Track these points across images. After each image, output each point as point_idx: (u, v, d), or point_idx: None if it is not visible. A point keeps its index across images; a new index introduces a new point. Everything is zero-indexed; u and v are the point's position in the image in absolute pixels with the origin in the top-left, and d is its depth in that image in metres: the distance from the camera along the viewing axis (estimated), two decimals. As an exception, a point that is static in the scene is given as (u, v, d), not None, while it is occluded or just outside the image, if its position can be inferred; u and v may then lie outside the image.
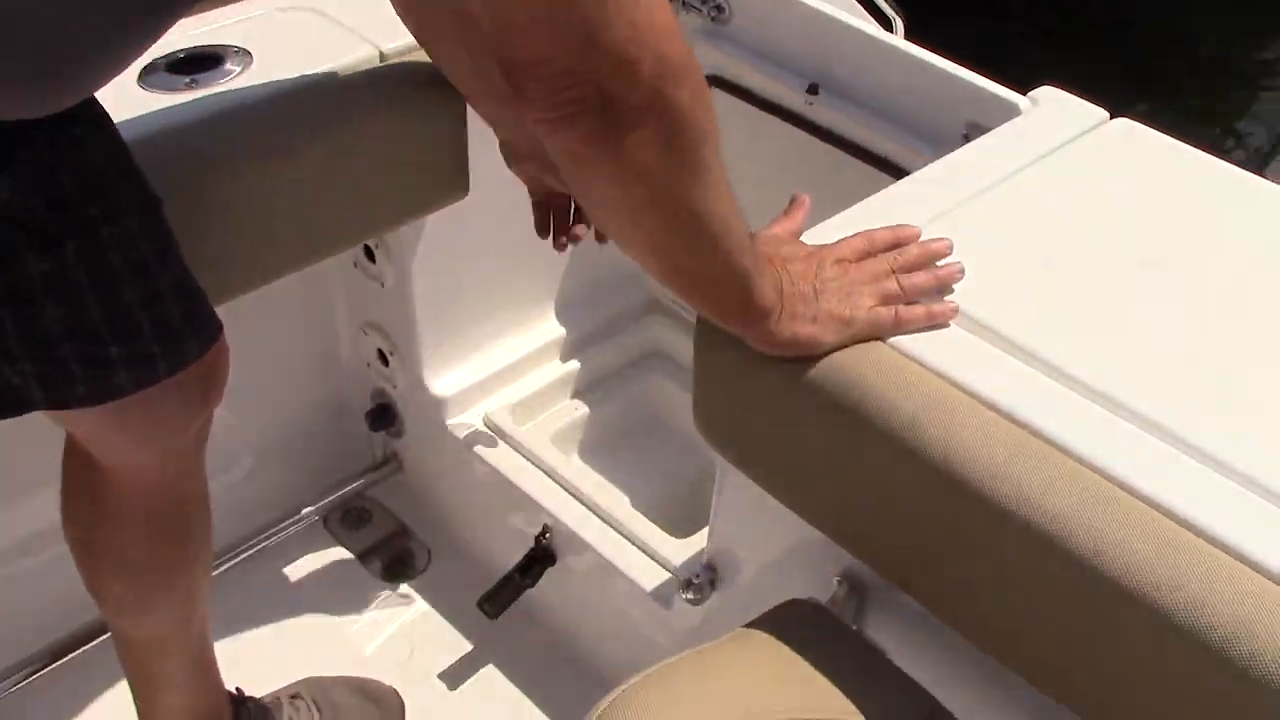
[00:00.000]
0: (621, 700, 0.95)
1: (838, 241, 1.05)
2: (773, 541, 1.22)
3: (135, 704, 1.30)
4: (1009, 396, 0.95)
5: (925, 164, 1.33)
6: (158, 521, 1.16)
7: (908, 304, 1.01)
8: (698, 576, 1.32)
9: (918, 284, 1.02)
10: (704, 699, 0.96)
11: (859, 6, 1.66)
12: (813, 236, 1.10)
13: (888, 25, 1.70)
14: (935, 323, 1.01)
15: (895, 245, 1.05)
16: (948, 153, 1.28)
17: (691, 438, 1.78)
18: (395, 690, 1.57)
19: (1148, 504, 0.87)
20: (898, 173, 1.43)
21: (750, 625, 1.06)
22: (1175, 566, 0.84)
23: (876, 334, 1.00)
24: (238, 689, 1.42)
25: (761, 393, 1.05)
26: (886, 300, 1.00)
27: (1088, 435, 0.92)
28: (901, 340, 1.00)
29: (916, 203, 1.15)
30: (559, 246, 1.36)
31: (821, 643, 1.05)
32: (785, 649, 1.02)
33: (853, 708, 0.99)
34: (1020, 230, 1.12)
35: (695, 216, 0.88)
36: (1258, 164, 2.23)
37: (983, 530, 0.93)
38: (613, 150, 0.80)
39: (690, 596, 1.32)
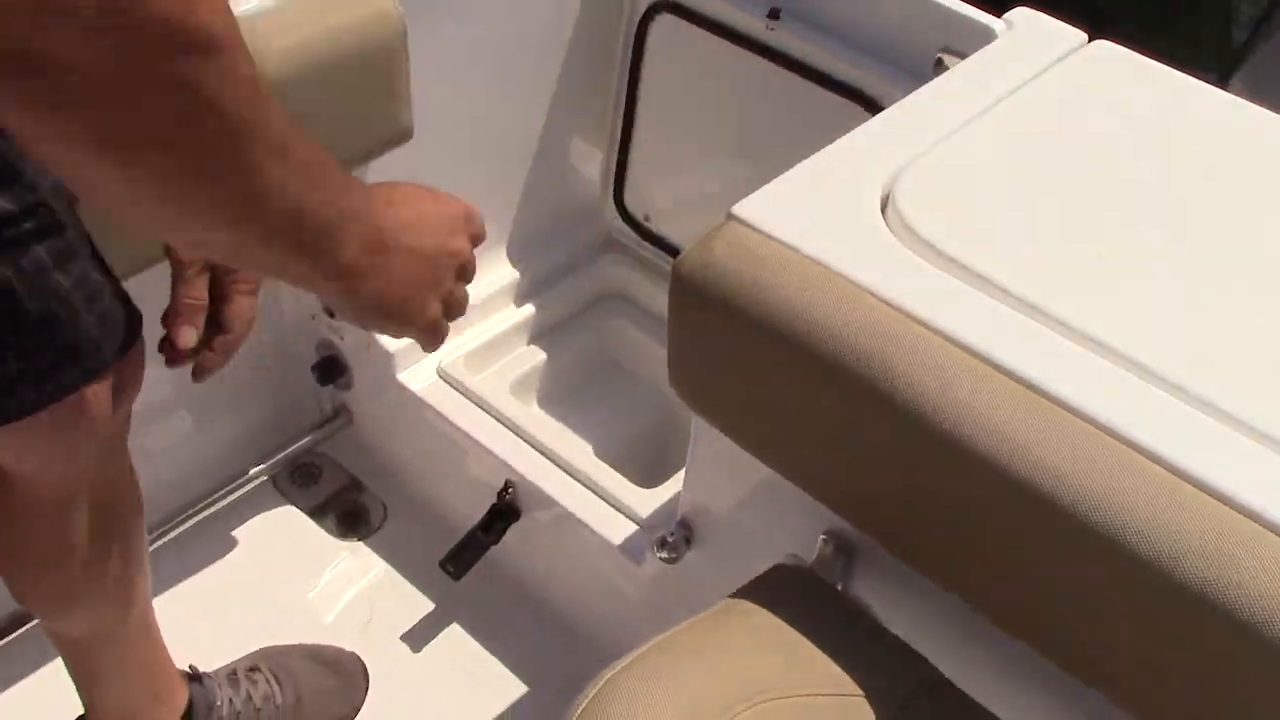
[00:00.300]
0: (610, 687, 0.89)
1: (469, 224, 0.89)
2: (752, 500, 1.17)
3: (80, 698, 1.24)
4: (1001, 347, 0.90)
5: (896, 93, 1.27)
6: (75, 517, 1.06)
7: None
8: (672, 534, 1.27)
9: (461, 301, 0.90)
10: (697, 680, 0.91)
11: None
12: (787, 180, 1.04)
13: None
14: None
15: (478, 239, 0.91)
16: (919, 81, 1.22)
17: (653, 380, 1.74)
18: (356, 655, 1.52)
19: (1137, 450, 0.84)
20: (868, 103, 1.36)
21: (736, 595, 1.01)
22: (1165, 514, 0.80)
23: (424, 341, 0.90)
24: (191, 667, 1.35)
25: (737, 351, 0.99)
26: (448, 311, 0.89)
27: (1080, 384, 0.88)
28: (889, 292, 0.94)
29: (894, 141, 1.09)
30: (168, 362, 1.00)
31: (813, 611, 1.00)
32: (776, 620, 0.98)
33: (850, 681, 0.95)
34: (1006, 168, 1.06)
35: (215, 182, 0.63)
36: (1222, 74, 2.19)
37: (968, 484, 0.88)
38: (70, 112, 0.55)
39: (665, 555, 1.27)
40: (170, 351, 0.98)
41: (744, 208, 1.01)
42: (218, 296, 0.99)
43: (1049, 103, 1.15)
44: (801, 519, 1.11)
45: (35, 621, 1.47)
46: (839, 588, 1.11)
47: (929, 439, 0.89)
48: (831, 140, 1.13)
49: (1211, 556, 0.79)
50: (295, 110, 1.20)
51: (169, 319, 0.97)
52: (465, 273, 0.88)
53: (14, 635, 1.47)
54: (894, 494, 0.96)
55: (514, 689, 1.53)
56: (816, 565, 1.11)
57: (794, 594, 1.02)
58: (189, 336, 0.97)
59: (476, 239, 0.89)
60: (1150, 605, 0.83)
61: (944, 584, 0.98)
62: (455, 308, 0.89)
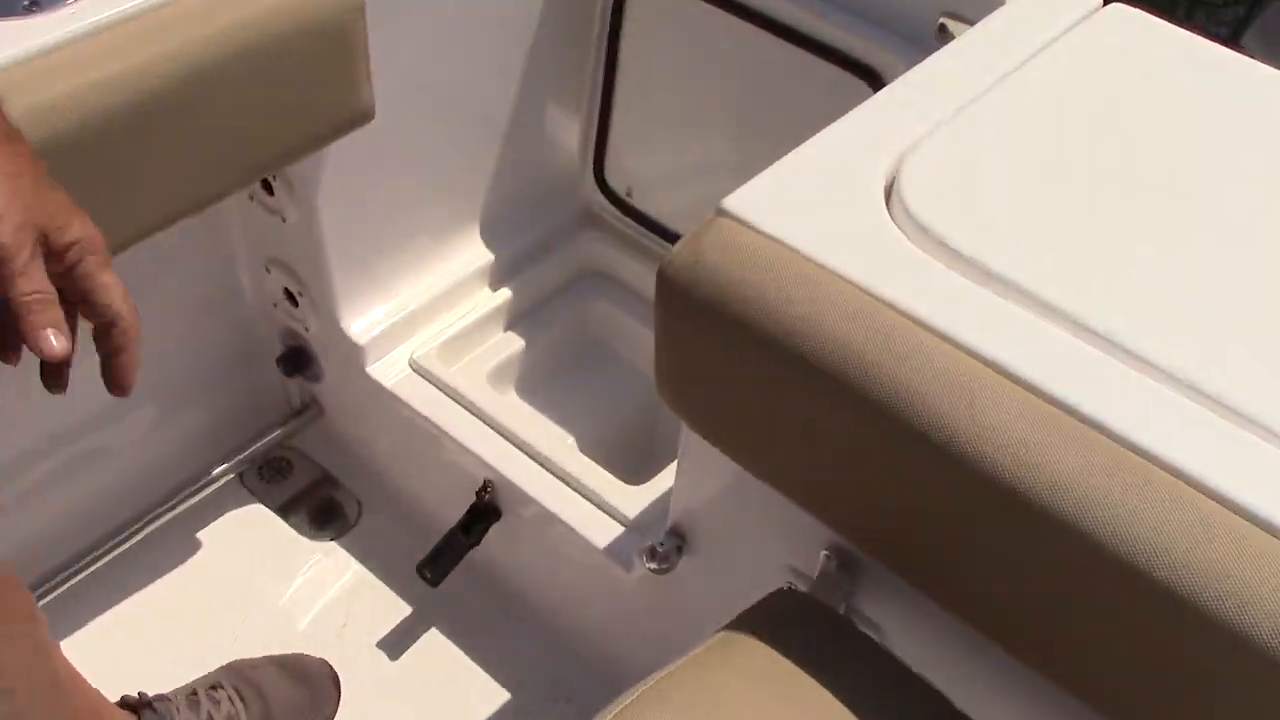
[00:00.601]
0: None
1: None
2: (748, 511, 1.09)
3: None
4: (1020, 357, 0.81)
5: (894, 61, 1.17)
6: None
7: None
8: (662, 544, 1.19)
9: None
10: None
11: None
12: (782, 168, 0.94)
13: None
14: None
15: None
16: (919, 48, 1.12)
17: (637, 363, 1.65)
18: (327, 664, 1.44)
19: (1184, 479, 0.75)
20: (868, 75, 1.27)
21: (734, 626, 0.93)
22: (1198, 540, 0.72)
23: None
24: (140, 693, 1.27)
25: (729, 360, 0.91)
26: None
27: (1118, 403, 0.79)
28: (897, 297, 0.85)
29: (895, 121, 0.99)
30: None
31: (818, 644, 0.92)
32: (778, 656, 0.90)
33: (864, 724, 0.87)
34: (1023, 147, 0.97)
35: None
36: (1232, 32, 2.09)
37: (987, 512, 0.80)
38: None
39: (655, 566, 1.19)
40: (49, 374, 0.76)
41: (734, 201, 0.92)
42: (69, 283, 0.75)
43: (1065, 72, 1.05)
44: (801, 533, 1.03)
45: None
46: (842, 609, 1.03)
47: (946, 463, 0.80)
48: (825, 110, 1.03)
49: (1264, 600, 0.71)
50: (244, 91, 1.12)
51: (7, 333, 0.73)
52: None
53: None
54: (904, 518, 0.88)
55: (496, 696, 1.46)
56: (819, 582, 1.03)
57: (797, 624, 0.94)
58: (58, 343, 0.72)
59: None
60: (1189, 646, 0.75)
61: (958, 613, 0.90)
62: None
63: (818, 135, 0.98)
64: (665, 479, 1.38)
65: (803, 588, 1.07)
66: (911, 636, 1.01)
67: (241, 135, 1.14)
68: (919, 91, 1.03)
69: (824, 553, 1.03)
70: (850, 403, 0.84)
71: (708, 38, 1.41)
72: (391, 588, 1.54)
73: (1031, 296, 0.85)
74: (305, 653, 1.44)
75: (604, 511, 1.35)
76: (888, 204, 0.93)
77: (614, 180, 1.61)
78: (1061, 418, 0.79)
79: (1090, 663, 0.83)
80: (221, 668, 1.37)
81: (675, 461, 1.38)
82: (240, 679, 1.35)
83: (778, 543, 1.08)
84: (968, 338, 0.82)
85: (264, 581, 1.53)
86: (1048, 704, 0.92)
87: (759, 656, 0.90)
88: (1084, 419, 0.79)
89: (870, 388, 0.82)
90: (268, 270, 1.48)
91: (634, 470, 1.59)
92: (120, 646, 1.46)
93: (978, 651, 0.92)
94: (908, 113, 1.00)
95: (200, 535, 1.57)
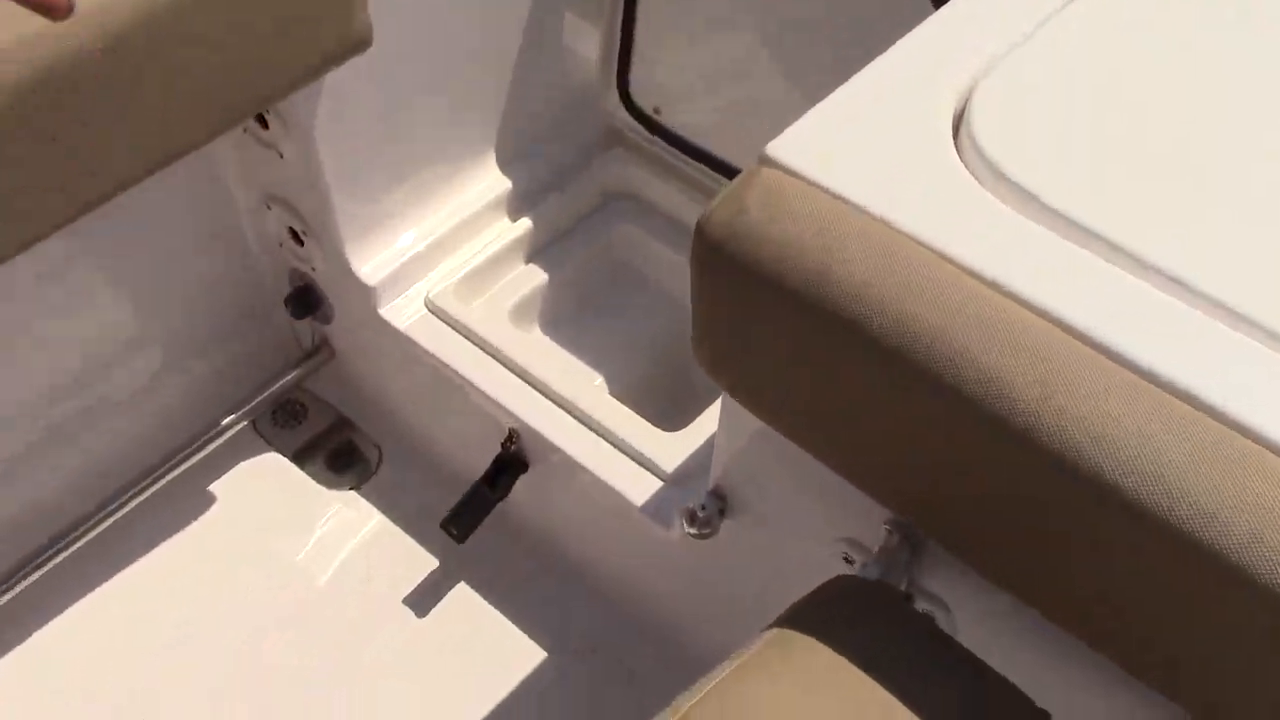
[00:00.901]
0: None
1: None
2: (797, 483, 0.99)
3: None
4: (1129, 336, 0.70)
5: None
6: None
7: None
8: (704, 508, 1.09)
9: None
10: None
11: None
12: (832, 105, 0.82)
13: None
14: None
15: None
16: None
17: (669, 291, 1.53)
18: None
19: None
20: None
21: (790, 619, 0.83)
22: None
23: None
24: None
25: (775, 327, 0.80)
26: None
27: (1237, 386, 0.68)
28: (970, 259, 0.74)
29: (968, 40, 0.86)
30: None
31: (887, 640, 0.82)
32: (842, 660, 0.80)
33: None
34: (1115, 70, 0.84)
35: None
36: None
37: (1068, 503, 0.70)
38: None
39: (695, 532, 1.10)
40: None
41: (780, 147, 0.80)
42: None
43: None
44: (857, 506, 0.93)
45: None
46: (904, 584, 0.94)
47: (1026, 451, 0.70)
48: (875, 11, 0.90)
49: None
50: (226, 20, 1.00)
51: None
52: None
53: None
54: (974, 506, 0.78)
55: (531, 652, 1.38)
56: (879, 557, 0.93)
57: (861, 616, 0.84)
58: None
59: None
60: None
61: (1035, 604, 0.81)
62: None
63: (872, 64, 0.85)
64: (706, 422, 1.28)
65: (859, 560, 0.98)
66: (982, 619, 0.92)
67: (227, 70, 1.03)
68: (987, 6, 0.90)
69: (885, 527, 0.93)
70: (911, 380, 0.73)
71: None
72: (416, 540, 1.45)
73: (1135, 258, 0.73)
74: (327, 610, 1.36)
75: (640, 464, 1.25)
76: (956, 143, 0.81)
77: (640, 97, 1.48)
78: (1170, 402, 0.68)
79: (1176, 654, 0.74)
80: None
81: (714, 406, 1.30)
82: None
83: (831, 513, 0.98)
84: (1059, 309, 0.71)
85: (282, 535, 1.45)
86: (1134, 700, 0.83)
87: (820, 657, 0.81)
88: (1195, 402, 0.68)
89: (936, 365, 0.71)
90: (268, 207, 1.37)
91: (671, 408, 1.49)
92: (135, 607, 1.39)
93: (1055, 642, 0.83)
94: (977, 31, 0.87)
95: (214, 488, 1.49)
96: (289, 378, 1.53)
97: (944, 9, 0.89)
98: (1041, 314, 0.71)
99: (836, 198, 0.77)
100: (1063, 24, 0.87)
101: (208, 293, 1.46)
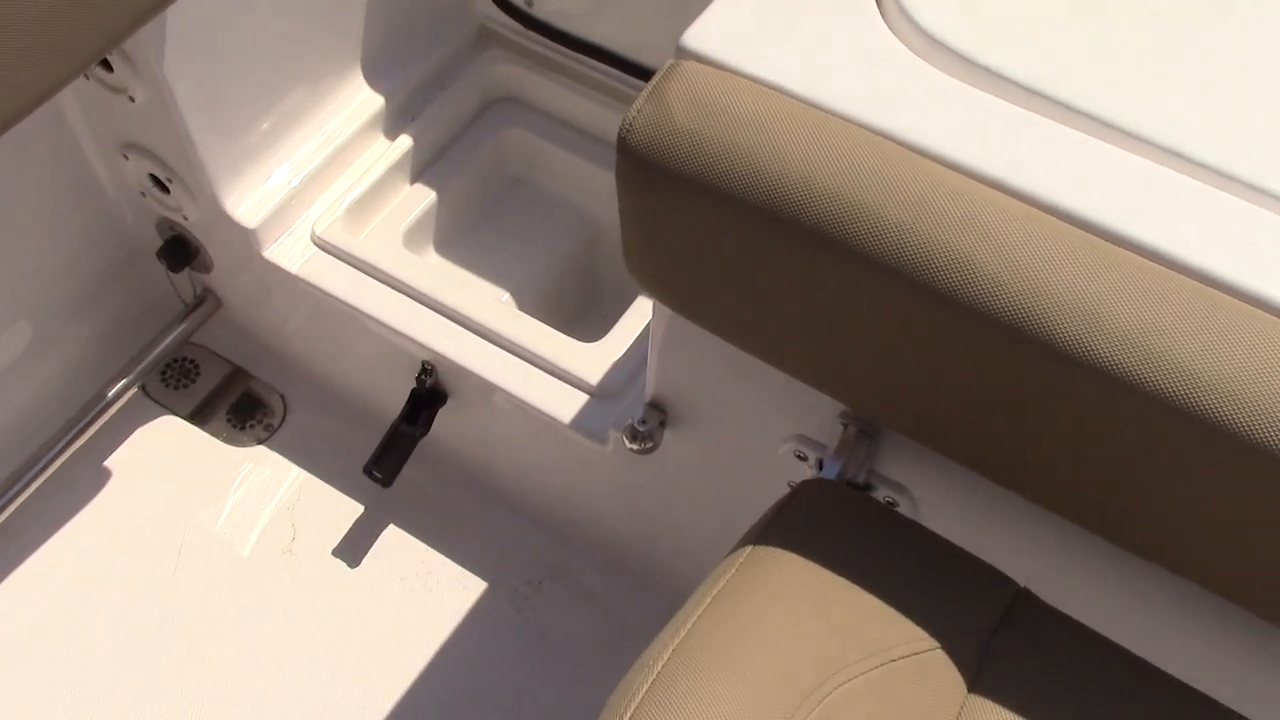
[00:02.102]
0: (657, 691, 0.69)
1: None
2: (742, 385, 0.94)
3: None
4: (1061, 185, 0.67)
5: None
6: None
7: None
8: (643, 423, 1.04)
9: None
10: (744, 690, 0.70)
11: None
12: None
13: None
14: None
15: None
16: None
17: (564, 194, 1.46)
18: None
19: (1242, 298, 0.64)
20: None
21: (763, 537, 0.80)
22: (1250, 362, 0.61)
23: None
24: None
25: (710, 233, 0.75)
26: None
27: (1167, 219, 0.66)
28: (907, 132, 0.69)
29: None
30: None
31: (859, 543, 0.79)
32: (817, 569, 0.77)
33: (924, 630, 0.75)
34: None
35: None
36: None
37: (1028, 364, 0.68)
38: None
39: (638, 447, 1.05)
40: None
41: (697, 36, 0.74)
42: None
43: None
44: (807, 403, 0.89)
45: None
46: (863, 477, 0.91)
47: (979, 324, 0.66)
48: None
49: None
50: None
51: None
52: None
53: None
54: (927, 384, 0.74)
55: (474, 586, 1.33)
56: (838, 452, 0.90)
57: (831, 523, 0.81)
58: None
59: None
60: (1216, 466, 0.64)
61: (1000, 479, 0.78)
62: None
63: None
64: (625, 329, 1.22)
65: (813, 456, 0.95)
66: (945, 500, 0.89)
67: (65, 8, 0.92)
68: None
69: (840, 421, 0.90)
70: (863, 270, 0.69)
71: None
72: (337, 487, 1.38)
73: (1073, 109, 0.69)
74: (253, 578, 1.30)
75: (564, 381, 1.19)
76: (882, 11, 0.75)
77: (509, -11, 1.39)
78: (1124, 255, 0.65)
79: (1134, 506, 0.72)
80: None
81: (633, 308, 1.24)
82: None
83: (781, 414, 0.94)
84: (999, 173, 0.67)
85: (193, 506, 1.37)
86: (1102, 562, 0.82)
87: (800, 570, 0.77)
88: (1134, 246, 0.65)
89: (886, 250, 0.67)
90: (125, 157, 1.26)
91: (583, 315, 1.44)
92: (45, 605, 1.30)
93: (1021, 513, 0.81)
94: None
95: (110, 463, 1.39)
96: (174, 335, 1.43)
97: None
98: (985, 182, 0.67)
99: (763, 85, 0.71)
100: None
101: (72, 255, 1.35)
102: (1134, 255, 0.66)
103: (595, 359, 1.20)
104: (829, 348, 0.77)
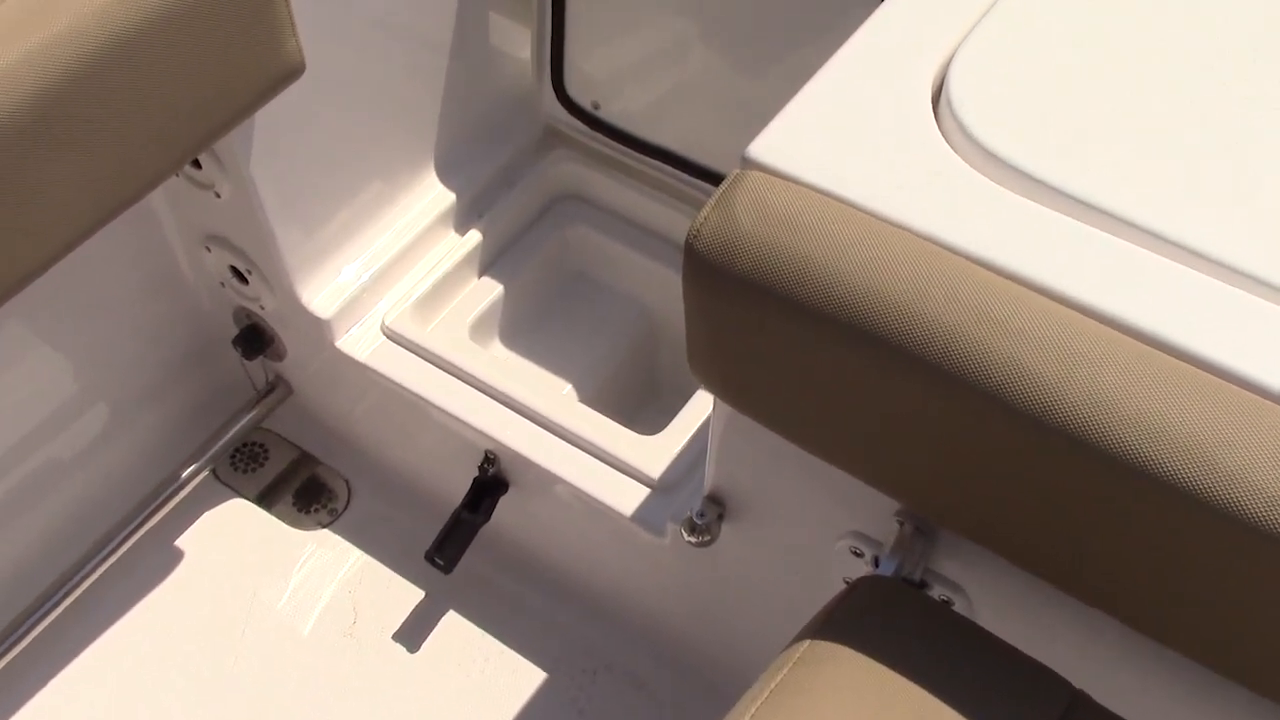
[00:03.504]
0: None
1: None
2: (800, 482, 0.96)
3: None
4: (1130, 303, 0.69)
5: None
6: None
7: None
8: (701, 515, 1.06)
9: None
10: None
11: None
12: (808, 98, 0.79)
13: None
14: None
15: None
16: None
17: (626, 289, 1.50)
18: None
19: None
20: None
21: (820, 632, 0.81)
22: None
23: None
24: None
25: (774, 335, 0.77)
26: None
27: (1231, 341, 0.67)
28: (966, 242, 0.72)
29: (936, 15, 0.84)
30: None
31: (917, 641, 0.81)
32: (876, 666, 0.78)
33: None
34: (1091, 32, 0.82)
35: None
36: None
37: (1096, 482, 0.69)
38: None
39: (696, 540, 1.07)
40: None
41: (762, 148, 0.77)
42: None
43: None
44: (865, 500, 0.91)
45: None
46: (919, 574, 0.92)
47: (1044, 435, 0.68)
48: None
49: None
50: (155, 68, 0.94)
51: None
52: None
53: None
54: (986, 489, 0.76)
55: (533, 677, 1.35)
56: (894, 550, 0.91)
57: (889, 620, 0.82)
58: None
59: None
60: None
61: (1056, 582, 0.79)
62: None
63: (840, 52, 0.82)
64: (684, 423, 1.25)
65: (869, 553, 0.96)
66: (1000, 601, 0.90)
67: (161, 119, 0.98)
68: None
69: (896, 519, 0.91)
70: (926, 376, 0.71)
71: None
72: (398, 572, 1.41)
73: (1129, 224, 0.71)
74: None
75: (624, 473, 1.22)
76: (939, 123, 0.78)
77: (576, 93, 1.44)
78: (1179, 366, 0.67)
79: (1206, 624, 0.73)
80: None
81: (692, 403, 1.27)
82: None
83: (838, 509, 0.96)
84: (1062, 286, 0.69)
85: (258, 585, 1.40)
86: (1165, 675, 0.82)
87: (859, 667, 0.79)
88: (1203, 364, 0.67)
89: (948, 358, 0.69)
90: (208, 249, 1.32)
91: (642, 407, 1.47)
92: (114, 683, 1.33)
93: (1078, 615, 0.82)
94: (944, 3, 0.85)
95: (180, 543, 1.43)
96: (245, 420, 1.47)
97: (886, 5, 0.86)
98: (1046, 294, 0.70)
99: (827, 196, 0.75)
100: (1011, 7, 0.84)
101: (150, 341, 1.40)
102: (1189, 366, 0.67)
103: (654, 452, 1.23)
104: (886, 448, 0.79)
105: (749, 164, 0.77)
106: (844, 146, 0.77)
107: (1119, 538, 0.72)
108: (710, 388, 0.86)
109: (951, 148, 0.77)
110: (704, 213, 0.76)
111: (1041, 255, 0.71)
